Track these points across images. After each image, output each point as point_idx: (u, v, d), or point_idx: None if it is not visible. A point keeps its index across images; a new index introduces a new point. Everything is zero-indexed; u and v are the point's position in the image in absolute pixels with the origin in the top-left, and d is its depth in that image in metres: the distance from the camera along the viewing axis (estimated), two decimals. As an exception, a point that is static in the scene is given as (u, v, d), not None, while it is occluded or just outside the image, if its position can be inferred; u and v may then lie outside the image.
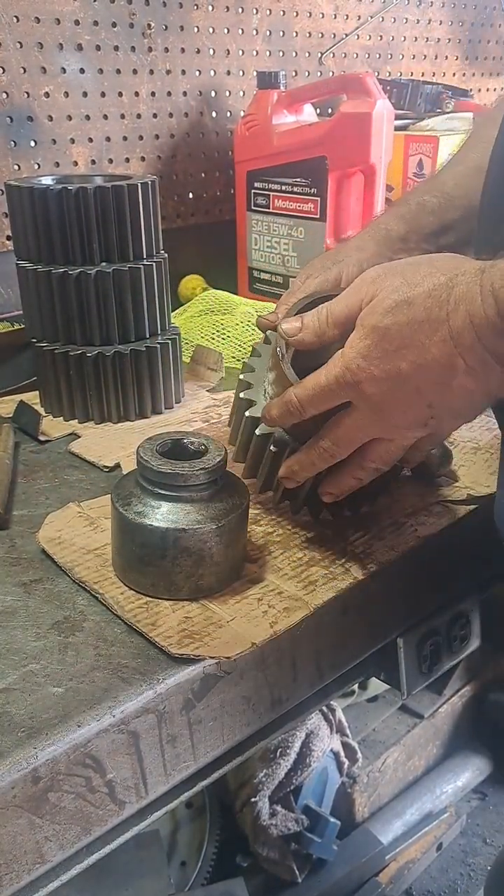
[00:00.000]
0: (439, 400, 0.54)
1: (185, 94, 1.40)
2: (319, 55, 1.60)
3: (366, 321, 0.55)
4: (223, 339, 1.16)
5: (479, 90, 1.97)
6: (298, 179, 1.30)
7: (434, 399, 0.54)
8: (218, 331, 1.17)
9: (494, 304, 0.48)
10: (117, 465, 0.83)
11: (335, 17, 1.59)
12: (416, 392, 0.54)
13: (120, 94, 1.31)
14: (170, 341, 0.94)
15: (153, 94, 1.36)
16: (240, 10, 1.43)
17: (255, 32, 1.47)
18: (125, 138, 1.35)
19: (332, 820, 1.23)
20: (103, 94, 1.29)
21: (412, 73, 1.80)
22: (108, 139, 1.32)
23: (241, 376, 0.70)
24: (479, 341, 0.50)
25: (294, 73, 1.56)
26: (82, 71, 1.26)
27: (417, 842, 1.39)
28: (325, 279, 0.74)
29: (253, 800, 1.18)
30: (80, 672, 0.54)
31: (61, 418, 0.94)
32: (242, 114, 1.39)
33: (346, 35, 1.62)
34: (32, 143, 1.24)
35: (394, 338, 0.53)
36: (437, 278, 0.52)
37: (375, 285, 0.55)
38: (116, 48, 1.28)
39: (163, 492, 0.59)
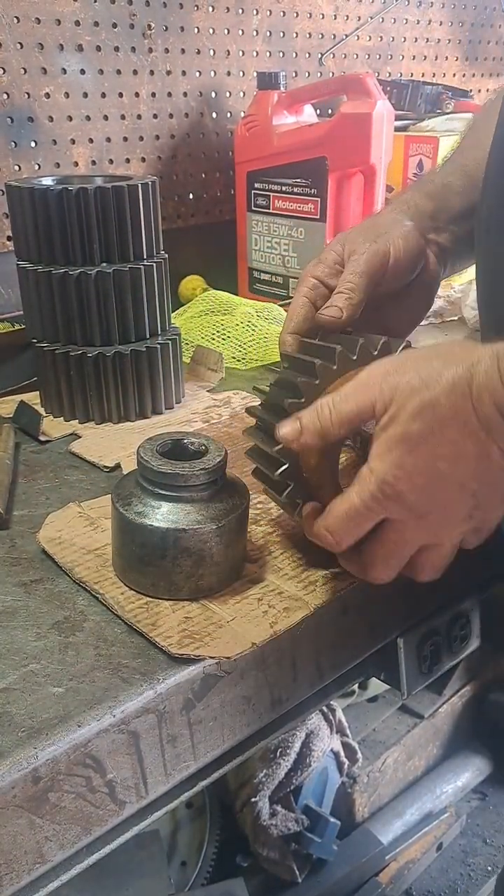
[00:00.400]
0: (482, 488, 0.52)
1: (185, 94, 1.40)
2: (319, 56, 1.60)
3: (391, 430, 0.52)
4: (223, 339, 1.16)
5: (479, 91, 1.97)
6: (298, 180, 1.30)
7: (477, 488, 0.52)
8: (218, 331, 1.17)
9: None
10: (118, 466, 0.83)
11: (335, 18, 1.60)
12: (458, 488, 0.52)
13: (120, 95, 1.31)
14: (170, 341, 0.95)
15: (153, 94, 1.36)
16: (240, 10, 1.43)
17: (255, 33, 1.47)
18: (125, 139, 1.35)
19: (332, 820, 1.23)
20: (104, 95, 1.29)
21: (412, 74, 1.80)
22: (108, 140, 1.32)
23: (292, 401, 0.61)
24: None
25: (294, 74, 1.56)
26: (83, 72, 1.26)
27: (417, 842, 1.39)
28: (375, 253, 0.68)
29: (253, 800, 1.18)
30: (80, 672, 0.54)
31: (62, 418, 0.94)
32: (242, 114, 1.39)
33: (347, 36, 1.62)
34: (33, 144, 1.24)
35: (426, 441, 0.50)
36: (455, 370, 0.49)
37: (389, 385, 0.52)
38: (117, 49, 1.28)
39: (163, 492, 0.59)
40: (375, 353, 0.62)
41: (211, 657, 0.55)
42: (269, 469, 0.63)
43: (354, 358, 0.61)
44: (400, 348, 0.64)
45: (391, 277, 0.70)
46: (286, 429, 0.58)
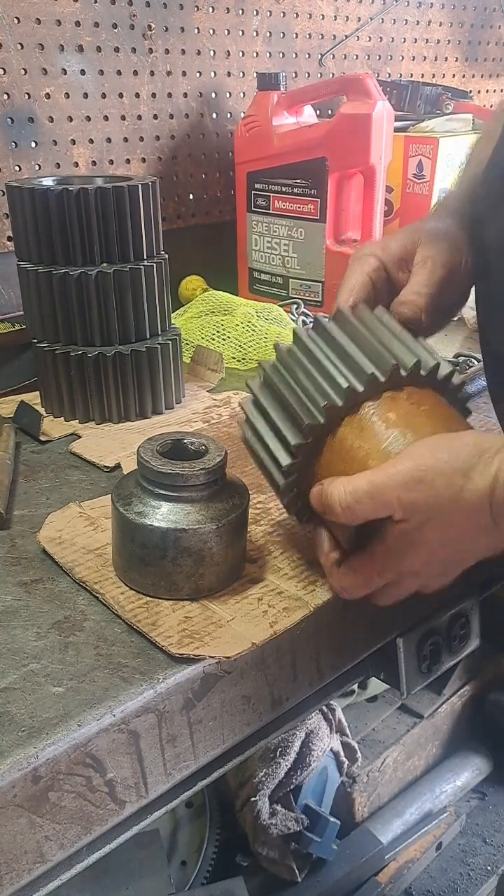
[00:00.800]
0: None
1: (185, 95, 1.40)
2: (319, 56, 1.60)
3: (412, 536, 0.55)
4: (223, 339, 1.16)
5: (479, 91, 1.97)
6: (298, 180, 1.30)
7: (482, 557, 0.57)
8: (218, 331, 1.17)
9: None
10: (118, 466, 0.83)
11: (335, 19, 1.60)
12: (468, 561, 0.57)
13: (121, 96, 1.32)
14: (170, 342, 0.95)
15: (154, 95, 1.36)
16: (240, 11, 1.43)
17: (255, 34, 1.47)
18: (126, 139, 1.35)
19: (332, 819, 1.23)
20: (104, 96, 1.30)
21: (412, 75, 1.80)
22: (108, 140, 1.33)
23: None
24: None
25: (294, 75, 1.56)
26: (83, 72, 1.26)
27: (417, 841, 1.39)
28: (453, 265, 0.65)
29: (253, 799, 1.18)
30: (80, 672, 0.54)
31: (62, 418, 0.94)
32: (243, 115, 1.39)
33: (347, 36, 1.62)
34: (33, 144, 1.24)
35: (443, 546, 0.55)
36: (474, 491, 0.51)
37: (408, 501, 0.53)
38: (117, 49, 1.29)
39: (163, 492, 0.59)
40: (405, 374, 0.58)
41: (211, 657, 0.55)
42: (271, 469, 0.63)
43: (362, 390, 0.57)
44: (444, 373, 0.60)
45: (455, 289, 0.67)
46: (313, 495, 0.58)
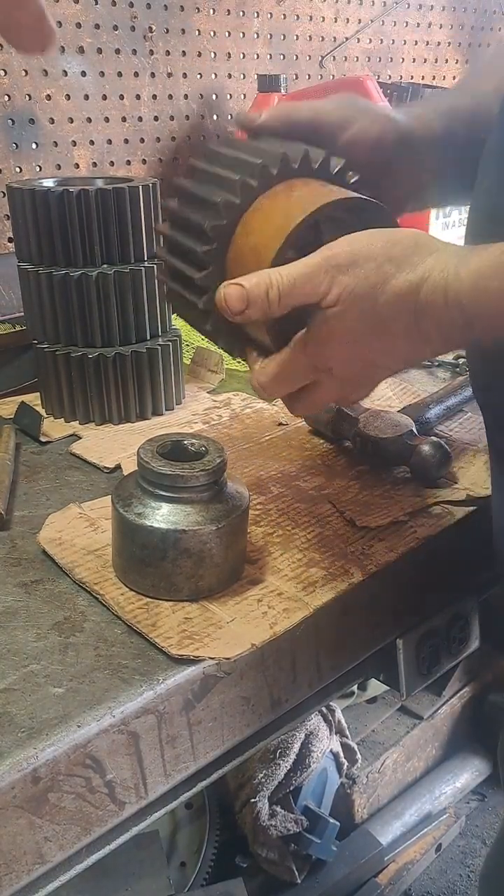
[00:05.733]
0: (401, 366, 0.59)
1: (186, 97, 1.41)
2: (320, 58, 1.60)
3: (333, 323, 0.54)
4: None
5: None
6: (299, 182, 1.30)
7: (401, 369, 0.58)
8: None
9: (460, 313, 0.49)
10: (118, 467, 0.83)
11: (336, 21, 1.60)
12: (385, 371, 0.58)
13: (121, 97, 1.32)
14: (171, 343, 0.95)
15: (154, 96, 1.36)
16: (241, 13, 1.43)
17: (255, 36, 1.47)
18: (126, 141, 1.35)
19: (332, 821, 1.23)
20: (105, 97, 1.30)
21: (412, 77, 1.80)
22: (109, 142, 1.33)
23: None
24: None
25: (295, 77, 1.57)
26: (84, 74, 1.26)
27: (417, 843, 1.39)
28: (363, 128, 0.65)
29: (252, 800, 1.18)
30: (80, 672, 0.54)
31: (62, 419, 0.94)
32: (243, 116, 1.40)
33: (347, 39, 1.63)
34: (34, 146, 1.24)
35: (365, 338, 0.54)
36: (402, 282, 0.51)
37: (337, 283, 0.53)
38: (118, 51, 1.29)
39: (163, 493, 0.59)
40: (296, 166, 0.58)
41: (210, 658, 0.55)
42: (183, 282, 0.61)
43: (255, 185, 0.57)
44: (337, 168, 0.60)
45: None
46: (233, 298, 0.55)
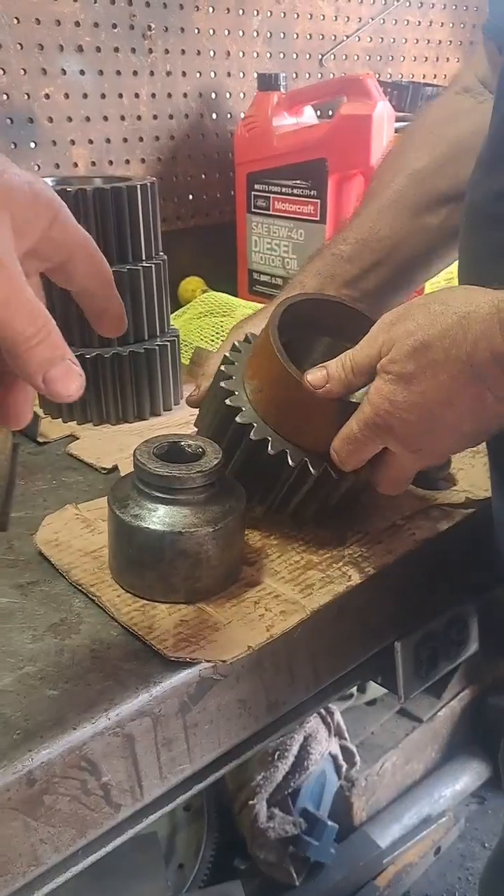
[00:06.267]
0: (474, 430, 0.55)
1: (185, 95, 1.40)
2: (320, 57, 1.60)
3: (389, 368, 0.55)
4: (222, 341, 1.16)
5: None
6: (298, 181, 1.30)
7: (469, 430, 0.55)
8: (217, 333, 1.17)
9: None
10: (115, 467, 0.83)
11: (336, 19, 1.60)
12: (449, 429, 0.55)
13: (120, 96, 1.31)
14: (169, 343, 0.94)
15: (153, 95, 1.36)
16: (240, 11, 1.43)
17: (255, 34, 1.47)
18: (125, 140, 1.35)
19: (330, 823, 1.23)
20: (103, 96, 1.29)
21: (413, 75, 1.80)
22: (108, 141, 1.32)
23: (223, 367, 0.68)
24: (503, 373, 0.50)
25: (294, 75, 1.56)
26: (82, 72, 1.26)
27: (415, 846, 1.39)
28: (229, 340, 0.75)
29: (251, 802, 1.18)
30: (75, 674, 0.54)
31: (60, 420, 0.94)
32: (242, 115, 1.39)
33: (347, 37, 1.62)
34: (32, 145, 1.24)
35: (419, 381, 0.53)
36: (450, 318, 0.51)
37: (391, 333, 0.55)
38: (117, 50, 1.28)
39: (159, 494, 0.59)
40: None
41: (207, 660, 0.55)
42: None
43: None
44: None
45: None
46: (313, 375, 0.60)
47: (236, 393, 0.65)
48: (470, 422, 0.54)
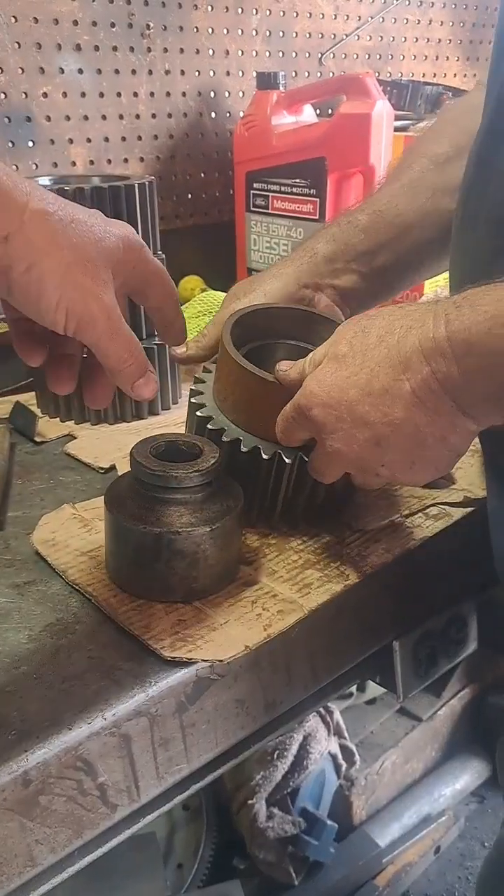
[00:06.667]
0: (388, 435, 0.53)
1: (184, 94, 1.40)
2: (319, 56, 1.60)
3: (329, 351, 0.57)
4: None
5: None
6: (297, 180, 1.29)
7: (381, 432, 0.53)
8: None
9: (445, 330, 0.48)
10: (113, 467, 0.83)
11: (335, 18, 1.59)
12: (363, 423, 0.54)
13: (118, 95, 1.31)
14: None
15: (152, 94, 1.36)
16: (239, 10, 1.43)
17: (254, 33, 1.47)
18: (124, 139, 1.34)
19: (330, 823, 1.23)
20: (102, 95, 1.29)
21: (412, 74, 1.79)
22: (106, 139, 1.32)
23: (192, 387, 0.72)
24: (426, 363, 0.50)
25: (294, 74, 1.56)
26: (80, 71, 1.25)
27: (415, 845, 1.39)
28: (231, 310, 0.73)
29: (250, 802, 1.18)
30: (72, 674, 0.54)
31: (57, 419, 0.94)
32: (242, 114, 1.39)
33: (347, 36, 1.62)
34: (30, 144, 1.24)
35: (348, 363, 0.54)
36: (397, 311, 0.54)
37: (343, 329, 0.57)
38: (115, 48, 1.28)
39: (157, 494, 0.59)
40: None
41: (204, 660, 0.55)
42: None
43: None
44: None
45: None
46: (284, 363, 0.62)
47: (206, 405, 0.69)
48: (383, 424, 0.53)
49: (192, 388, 0.72)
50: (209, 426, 0.67)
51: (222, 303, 0.80)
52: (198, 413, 0.68)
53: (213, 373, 0.71)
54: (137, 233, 0.88)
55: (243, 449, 0.65)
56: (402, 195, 0.76)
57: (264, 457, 0.64)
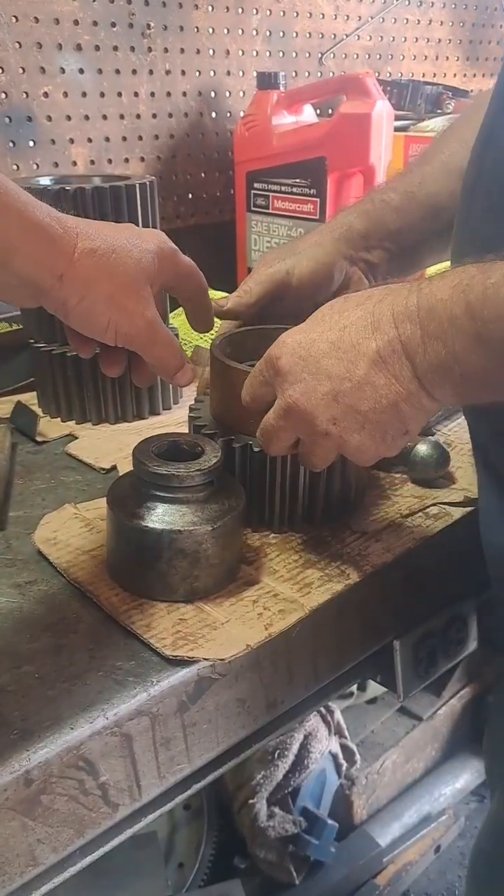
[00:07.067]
0: (346, 391, 0.54)
1: (184, 94, 1.40)
2: (319, 56, 1.59)
3: (313, 315, 0.59)
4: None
5: (480, 91, 1.97)
6: (298, 180, 1.29)
7: (341, 387, 0.54)
8: (217, 332, 1.16)
9: (416, 298, 0.51)
10: (114, 467, 0.83)
11: (335, 18, 1.59)
12: (325, 376, 0.55)
13: (119, 95, 1.31)
14: (168, 342, 0.94)
15: (153, 94, 1.36)
16: (240, 10, 1.43)
17: (255, 33, 1.47)
18: (124, 139, 1.34)
19: (330, 822, 1.23)
20: (102, 95, 1.29)
21: (412, 74, 1.79)
22: (107, 139, 1.32)
23: (191, 405, 0.77)
24: (395, 326, 0.52)
25: (294, 74, 1.56)
26: (81, 71, 1.25)
27: (416, 844, 1.39)
28: (279, 270, 0.77)
29: (251, 801, 1.18)
30: (73, 674, 0.54)
31: (59, 419, 0.94)
32: (242, 114, 1.39)
33: (347, 36, 1.62)
34: (31, 144, 1.24)
35: (325, 322, 0.57)
36: (380, 286, 0.57)
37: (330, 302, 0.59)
38: (116, 48, 1.28)
39: (159, 493, 0.59)
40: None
41: (205, 659, 0.55)
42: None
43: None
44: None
45: (295, 295, 0.78)
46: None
47: (201, 415, 0.73)
48: (342, 380, 0.54)
49: (191, 405, 0.77)
50: (195, 423, 0.72)
51: (255, 267, 0.82)
52: (195, 423, 0.73)
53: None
54: (138, 233, 0.89)
55: (235, 445, 0.67)
56: (434, 176, 0.77)
57: (255, 450, 0.66)
